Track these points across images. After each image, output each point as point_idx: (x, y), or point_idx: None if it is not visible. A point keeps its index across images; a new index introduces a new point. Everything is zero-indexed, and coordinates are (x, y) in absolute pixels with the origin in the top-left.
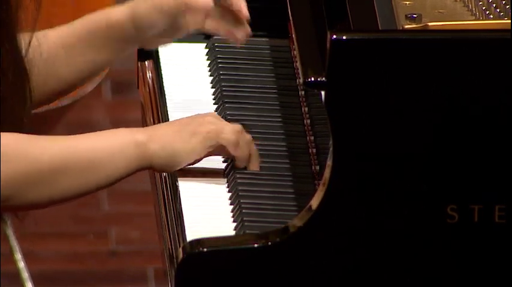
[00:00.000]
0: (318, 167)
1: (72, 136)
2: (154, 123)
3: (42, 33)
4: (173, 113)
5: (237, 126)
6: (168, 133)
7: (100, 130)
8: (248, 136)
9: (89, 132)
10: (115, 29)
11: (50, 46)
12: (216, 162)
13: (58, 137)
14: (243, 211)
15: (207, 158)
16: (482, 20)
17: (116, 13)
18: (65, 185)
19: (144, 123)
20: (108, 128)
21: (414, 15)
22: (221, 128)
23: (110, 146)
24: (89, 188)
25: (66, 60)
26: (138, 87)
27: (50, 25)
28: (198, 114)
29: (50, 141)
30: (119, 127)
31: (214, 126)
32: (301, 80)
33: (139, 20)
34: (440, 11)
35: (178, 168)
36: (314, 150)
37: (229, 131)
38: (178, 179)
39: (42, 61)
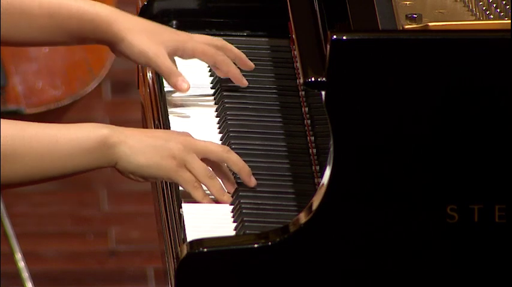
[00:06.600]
0: (318, 167)
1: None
2: (154, 123)
3: None
4: (173, 113)
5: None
6: (146, 143)
7: None
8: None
9: None
10: (85, 31)
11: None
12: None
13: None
14: (243, 211)
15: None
16: (483, 20)
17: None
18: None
19: (144, 123)
20: None
21: (414, 15)
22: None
23: (72, 141)
24: (41, 177)
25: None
26: (138, 88)
27: None
28: (171, 132)
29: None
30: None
31: (191, 170)
32: (301, 80)
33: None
34: (441, 11)
35: (142, 180)
36: (314, 150)
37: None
38: None
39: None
